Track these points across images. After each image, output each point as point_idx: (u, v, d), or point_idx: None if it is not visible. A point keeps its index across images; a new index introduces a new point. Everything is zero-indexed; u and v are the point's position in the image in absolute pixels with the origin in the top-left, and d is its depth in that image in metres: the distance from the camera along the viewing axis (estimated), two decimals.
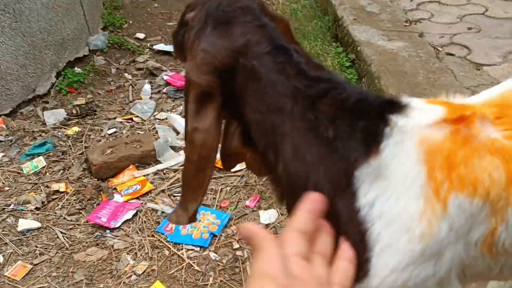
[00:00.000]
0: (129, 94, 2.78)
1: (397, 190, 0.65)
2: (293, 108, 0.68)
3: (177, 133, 2.39)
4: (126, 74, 2.97)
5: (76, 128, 2.44)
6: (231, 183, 2.06)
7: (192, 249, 1.74)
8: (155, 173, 2.13)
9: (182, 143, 2.33)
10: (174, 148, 2.29)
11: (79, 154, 2.24)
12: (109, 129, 2.45)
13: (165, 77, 2.91)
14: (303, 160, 0.68)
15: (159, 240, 1.79)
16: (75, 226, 1.87)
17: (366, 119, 0.66)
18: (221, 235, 1.80)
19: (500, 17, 2.79)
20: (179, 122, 2.40)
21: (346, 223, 0.66)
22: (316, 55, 2.69)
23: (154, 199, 1.99)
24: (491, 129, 0.70)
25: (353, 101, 0.68)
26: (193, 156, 0.74)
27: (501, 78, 2.21)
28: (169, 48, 3.25)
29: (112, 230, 1.83)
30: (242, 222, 1.85)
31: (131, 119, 2.56)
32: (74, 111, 2.55)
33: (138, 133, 2.43)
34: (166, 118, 2.49)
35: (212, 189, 2.03)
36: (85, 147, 2.29)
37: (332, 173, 0.67)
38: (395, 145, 0.65)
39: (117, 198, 1.99)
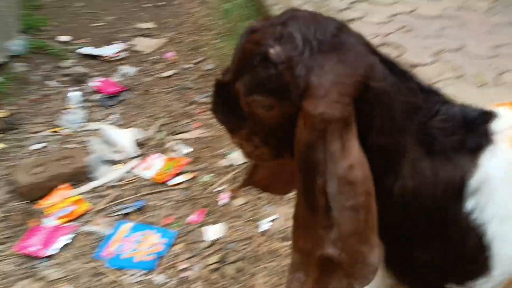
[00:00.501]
0: (54, 104, 2.58)
1: (505, 189, 0.74)
2: (415, 127, 0.72)
3: (112, 145, 2.24)
4: (50, 82, 2.76)
5: None
6: (174, 197, 1.97)
7: (135, 274, 1.64)
8: (90, 192, 1.99)
9: (118, 156, 2.19)
10: (109, 163, 2.15)
11: (4, 175, 2.04)
12: (35, 144, 2.25)
13: (95, 84, 2.74)
14: (422, 175, 0.72)
15: (97, 267, 1.66)
16: (2, 258, 1.69)
17: (472, 131, 0.74)
18: (167, 255, 1.70)
19: (428, 16, 2.89)
20: (113, 134, 2.26)
21: (462, 229, 0.75)
22: None
23: (91, 220, 1.85)
24: None
25: (460, 116, 0.75)
26: (359, 199, 0.66)
27: (433, 78, 2.27)
28: (97, 51, 3.07)
29: (45, 259, 1.68)
30: (188, 239, 1.76)
31: (59, 131, 2.37)
32: None
33: (68, 147, 2.25)
34: (98, 129, 2.33)
35: (154, 205, 1.93)
36: (10, 166, 2.09)
37: (447, 184, 0.73)
38: (495, 150, 0.73)
39: (49, 222, 1.82)
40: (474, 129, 0.74)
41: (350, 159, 0.65)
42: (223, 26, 3.16)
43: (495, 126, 0.75)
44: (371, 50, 0.72)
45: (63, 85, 2.75)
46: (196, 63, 2.98)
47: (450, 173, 0.73)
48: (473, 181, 0.73)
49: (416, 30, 2.65)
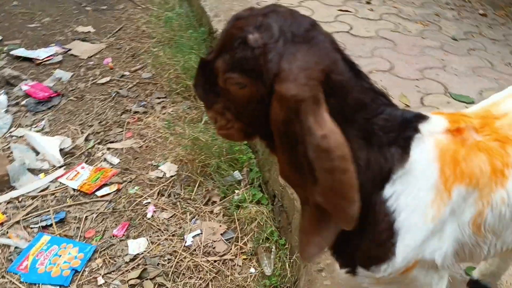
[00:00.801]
0: None
1: (419, 184, 0.84)
2: (360, 121, 0.82)
3: (37, 153, 2.17)
4: None
5: None
6: (97, 209, 1.92)
7: None
8: (8, 202, 1.91)
9: (42, 165, 2.12)
10: (32, 171, 2.08)
11: None
12: None
13: (25, 88, 2.64)
14: (357, 164, 0.80)
15: (11, 281, 1.60)
16: None
17: (406, 130, 0.85)
18: (85, 270, 1.66)
19: (362, 36, 2.99)
20: (39, 141, 2.18)
21: (378, 213, 0.84)
22: (191, 69, 2.63)
23: (7, 232, 1.78)
24: (477, 135, 0.91)
25: (400, 117, 0.85)
26: (333, 163, 0.75)
27: None
28: (30, 53, 2.97)
29: None
30: (110, 253, 1.73)
31: None
32: None
33: None
34: (24, 136, 2.25)
35: (76, 217, 1.88)
36: None
37: (376, 174, 0.83)
38: (419, 148, 0.85)
39: None
40: (408, 128, 0.85)
41: (323, 130, 0.75)
42: (163, 35, 3.14)
43: (426, 128, 0.87)
44: (336, 48, 0.81)
45: None
46: (133, 71, 2.94)
47: (381, 164, 0.84)
48: (397, 172, 0.84)
49: (351, 49, 2.74)
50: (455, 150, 0.87)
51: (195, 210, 1.93)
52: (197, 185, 2.03)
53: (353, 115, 0.81)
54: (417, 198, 0.84)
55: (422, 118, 0.88)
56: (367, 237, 0.87)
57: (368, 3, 3.56)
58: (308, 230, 0.84)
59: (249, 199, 1.94)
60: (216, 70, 0.80)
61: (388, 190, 0.84)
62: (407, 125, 0.85)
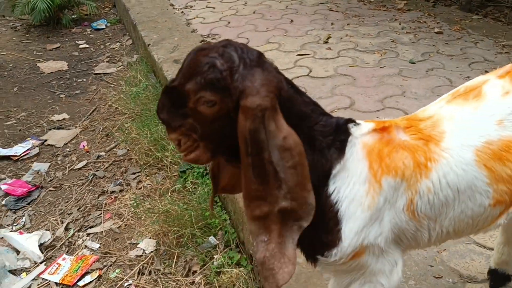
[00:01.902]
0: None
1: (353, 178, 1.01)
2: (304, 129, 0.98)
3: (18, 252, 2.20)
4: None
5: None
6: None
7: None
8: None
9: (24, 263, 2.15)
10: (14, 272, 2.11)
11: None
12: None
13: (3, 187, 2.70)
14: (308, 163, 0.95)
15: None
16: None
17: (340, 133, 1.02)
18: None
19: (321, 76, 3.08)
20: (18, 240, 2.22)
21: (324, 205, 1.00)
22: (159, 140, 2.70)
23: None
24: (403, 134, 1.08)
25: (335, 123, 1.02)
26: (295, 159, 0.92)
27: None
28: (7, 151, 3.05)
29: None
30: None
31: None
32: None
33: None
34: (3, 237, 2.29)
35: None
36: None
37: (320, 173, 1.00)
38: (351, 148, 1.02)
39: None
40: (342, 132, 1.02)
41: (283, 132, 0.91)
42: (133, 110, 3.23)
43: (355, 131, 1.04)
44: (279, 71, 0.99)
45: None
46: (108, 150, 3.01)
47: (323, 164, 1.00)
48: (335, 170, 1.01)
49: (311, 92, 2.81)
50: (380, 149, 1.04)
51: (176, 283, 1.94)
52: (175, 258, 2.05)
53: (299, 124, 0.97)
54: (354, 190, 1.01)
55: (352, 122, 1.05)
56: (318, 227, 1.02)
57: (325, 42, 3.67)
58: (272, 255, 0.95)
59: (227, 262, 1.95)
60: (187, 92, 0.92)
61: (331, 186, 1.01)
62: (341, 130, 1.02)
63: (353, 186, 1.01)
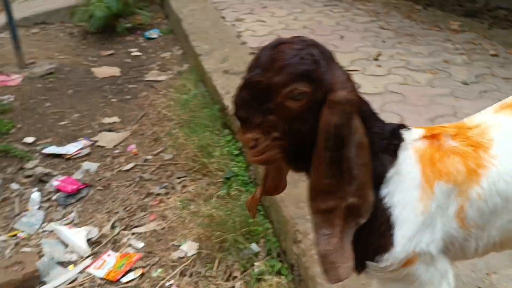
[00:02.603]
0: (15, 207, 2.64)
1: (407, 183, 1.01)
2: (366, 127, 0.97)
3: (66, 246, 2.28)
4: (12, 185, 2.83)
5: None
6: None
7: None
8: None
9: (71, 257, 2.22)
10: (62, 264, 2.18)
11: None
12: None
13: (55, 183, 2.81)
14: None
15: None
16: None
17: (394, 138, 1.02)
18: None
19: (371, 93, 3.05)
20: (66, 234, 2.30)
21: (377, 209, 0.99)
22: (205, 146, 2.75)
23: None
24: (452, 141, 1.08)
25: (390, 129, 1.04)
26: (366, 157, 0.94)
27: None
28: (60, 150, 3.17)
29: None
30: None
31: (18, 235, 2.41)
32: None
33: (24, 251, 2.28)
34: (53, 230, 2.37)
35: None
36: None
37: (375, 176, 0.99)
38: (404, 153, 1.02)
39: None
40: (396, 136, 1.03)
41: (361, 130, 0.93)
42: (181, 116, 3.31)
43: (408, 136, 1.04)
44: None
45: (25, 187, 2.82)
46: (156, 154, 3.08)
47: (377, 167, 1.00)
48: (389, 174, 1.01)
49: None
50: (431, 154, 1.04)
51: (216, 287, 1.95)
52: (216, 262, 2.06)
53: (363, 123, 0.98)
54: (407, 195, 1.01)
55: (404, 128, 1.06)
56: (370, 231, 1.01)
57: (376, 59, 3.65)
58: (334, 249, 0.95)
59: (268, 270, 1.94)
60: (275, 85, 0.91)
61: (384, 190, 1.01)
62: (395, 134, 1.03)
63: (406, 191, 1.01)
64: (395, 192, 1.00)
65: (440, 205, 1.03)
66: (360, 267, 1.07)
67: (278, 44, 0.94)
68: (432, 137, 1.07)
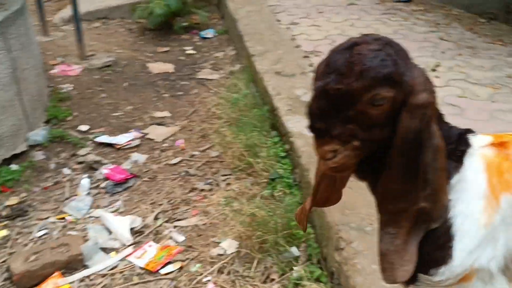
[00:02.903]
0: (65, 191, 2.73)
1: (471, 192, 0.94)
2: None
3: (110, 232, 2.33)
4: (65, 169, 2.93)
5: (3, 232, 2.35)
6: (160, 287, 1.99)
7: None
8: (82, 280, 2.04)
9: (114, 244, 2.26)
10: (105, 250, 2.22)
11: (1, 262, 2.14)
12: (39, 231, 2.36)
13: (105, 171, 2.89)
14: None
15: None
16: None
17: (461, 143, 0.97)
18: None
19: None
20: (111, 221, 2.35)
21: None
22: (253, 146, 2.74)
23: None
24: None
25: (457, 134, 0.98)
26: (443, 162, 0.90)
27: None
28: (112, 139, 3.26)
29: None
30: None
31: (66, 218, 2.49)
32: (4, 213, 2.47)
33: (71, 234, 2.35)
34: (99, 217, 2.43)
35: None
36: (10, 253, 2.19)
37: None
38: (471, 159, 0.96)
39: None
40: (463, 142, 0.97)
41: (439, 133, 0.89)
42: (230, 115, 3.32)
43: (475, 142, 0.98)
44: None
45: (76, 173, 2.92)
46: (202, 151, 3.11)
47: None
48: (453, 180, 0.95)
49: None
50: (499, 163, 0.97)
51: None
52: (255, 262, 2.04)
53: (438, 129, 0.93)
54: (470, 205, 0.94)
55: (471, 133, 1.01)
56: (427, 242, 0.94)
57: (433, 70, 3.52)
58: (395, 250, 0.92)
59: (307, 276, 1.90)
60: (356, 91, 0.84)
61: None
62: (462, 139, 0.97)
63: (470, 201, 0.94)
64: (457, 201, 0.95)
65: (505, 219, 0.95)
66: (411, 279, 0.99)
67: (353, 45, 0.88)
68: (500, 145, 1.00)
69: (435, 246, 0.95)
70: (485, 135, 1.03)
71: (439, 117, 0.96)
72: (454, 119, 2.73)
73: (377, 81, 0.84)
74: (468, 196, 0.95)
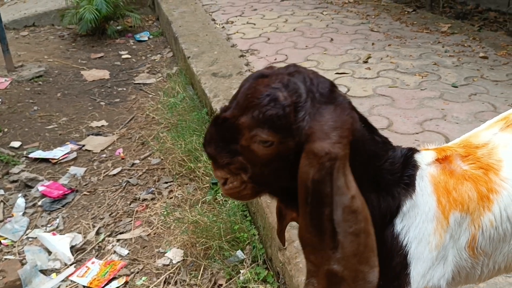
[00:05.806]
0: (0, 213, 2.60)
1: (422, 216, 0.92)
2: (372, 168, 0.89)
3: (49, 253, 2.24)
4: None
5: None
6: None
7: None
8: None
9: (54, 264, 2.18)
10: (45, 272, 2.14)
11: None
12: None
13: (41, 188, 2.77)
14: (370, 205, 0.84)
15: None
16: None
17: (407, 166, 0.93)
18: None
19: (360, 96, 3.03)
20: (50, 241, 2.26)
21: (390, 248, 0.91)
22: (193, 151, 2.72)
23: None
24: (462, 164, 1.00)
25: (400, 156, 0.93)
26: (360, 225, 0.79)
27: None
28: (47, 154, 3.13)
29: None
30: None
31: (0, 242, 2.37)
32: None
33: (6, 258, 2.24)
34: (36, 238, 2.34)
35: None
36: None
37: (385, 212, 0.90)
38: (421, 182, 0.93)
39: None
40: (410, 166, 0.94)
41: (352, 191, 0.78)
42: (169, 120, 3.28)
43: (422, 162, 0.96)
44: (352, 107, 0.86)
45: (9, 192, 2.78)
46: (143, 159, 3.05)
47: (389, 203, 0.91)
48: (405, 208, 0.92)
49: None
50: (446, 181, 0.96)
51: None
52: (202, 269, 2.03)
53: (368, 164, 0.88)
54: (422, 229, 0.92)
55: (416, 152, 0.97)
56: (383, 273, 0.86)
57: (365, 62, 3.63)
58: None
59: (254, 278, 1.92)
60: (241, 126, 0.80)
61: (398, 226, 0.92)
62: (408, 163, 0.94)
63: (422, 225, 0.92)
64: (410, 227, 0.92)
65: (453, 236, 0.95)
66: None
67: (257, 77, 0.83)
68: (444, 159, 0.99)
69: (393, 276, 0.92)
70: (428, 151, 1.01)
71: (379, 148, 0.90)
72: (386, 109, 2.86)
73: (258, 121, 0.79)
74: (420, 220, 0.92)
